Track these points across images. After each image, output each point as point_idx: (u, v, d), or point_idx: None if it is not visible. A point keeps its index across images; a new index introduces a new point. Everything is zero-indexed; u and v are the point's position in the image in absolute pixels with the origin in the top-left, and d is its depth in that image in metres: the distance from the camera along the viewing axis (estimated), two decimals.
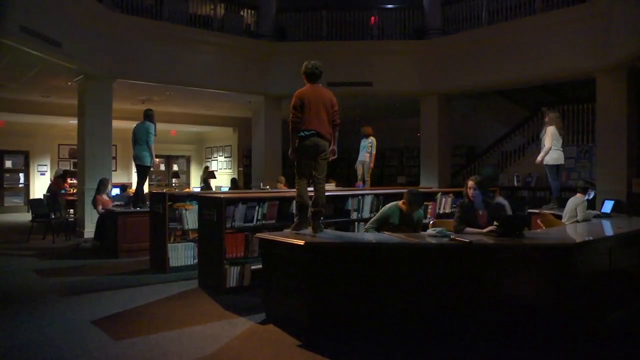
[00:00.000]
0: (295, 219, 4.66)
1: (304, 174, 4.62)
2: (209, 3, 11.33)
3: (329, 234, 4.62)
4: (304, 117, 4.52)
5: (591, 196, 6.83)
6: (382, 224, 5.14)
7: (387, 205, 5.32)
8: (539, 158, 7.97)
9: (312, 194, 4.63)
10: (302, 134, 4.52)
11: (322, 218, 4.66)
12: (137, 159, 7.89)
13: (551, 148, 7.82)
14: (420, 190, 5.26)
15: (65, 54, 8.27)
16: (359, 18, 11.90)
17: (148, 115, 7.93)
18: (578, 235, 4.90)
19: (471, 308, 4.10)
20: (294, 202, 4.71)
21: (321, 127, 4.51)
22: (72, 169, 16.00)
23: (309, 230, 4.61)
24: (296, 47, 11.94)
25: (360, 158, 10.72)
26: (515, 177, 11.03)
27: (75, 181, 12.22)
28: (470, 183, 4.81)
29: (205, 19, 11.14)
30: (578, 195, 6.59)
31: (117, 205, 8.28)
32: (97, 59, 9.29)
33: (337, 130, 4.71)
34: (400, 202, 5.17)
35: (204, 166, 17.51)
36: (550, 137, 7.93)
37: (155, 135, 7.89)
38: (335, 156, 4.69)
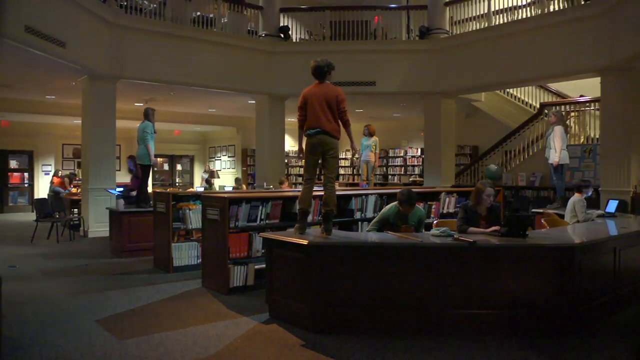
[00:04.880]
0: (297, 223, 4.64)
1: (310, 173, 4.57)
2: (213, 3, 11.35)
3: (333, 234, 4.61)
4: (308, 116, 4.51)
5: (589, 194, 6.83)
6: (384, 224, 5.14)
7: (388, 206, 5.32)
8: (555, 159, 8.02)
9: (322, 193, 4.62)
10: (308, 132, 4.51)
11: (332, 219, 4.62)
12: (138, 159, 8.02)
13: (562, 148, 7.91)
14: (411, 189, 5.25)
15: (70, 54, 8.29)
16: (362, 18, 11.88)
17: (146, 114, 8.01)
18: (582, 235, 4.89)
19: (474, 308, 4.09)
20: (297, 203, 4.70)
21: (327, 124, 4.46)
22: (76, 168, 16.08)
23: (318, 232, 4.59)
24: (300, 47, 11.96)
25: (363, 158, 10.73)
26: (519, 177, 11.01)
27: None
28: (490, 191, 4.80)
29: (208, 19, 11.14)
30: (576, 194, 6.61)
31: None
32: (100, 59, 9.32)
33: (348, 127, 4.62)
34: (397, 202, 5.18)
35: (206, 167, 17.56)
36: (560, 137, 8.00)
37: (155, 134, 7.94)
38: (356, 153, 4.74)
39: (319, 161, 4.57)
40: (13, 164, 16.17)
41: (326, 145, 4.48)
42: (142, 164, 7.96)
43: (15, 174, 16.19)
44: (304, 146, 4.63)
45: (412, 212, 5.12)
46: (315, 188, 4.75)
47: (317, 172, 4.67)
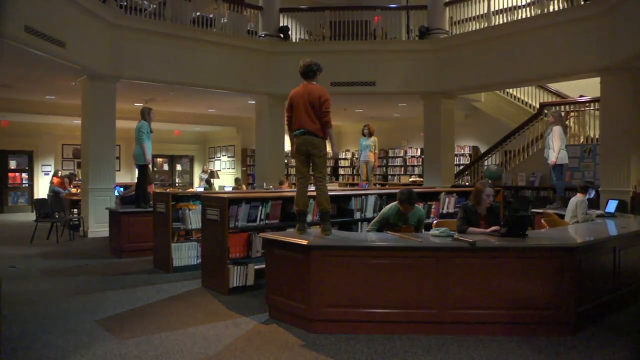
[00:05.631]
0: (296, 224, 4.70)
1: (301, 172, 4.63)
2: (212, 3, 11.35)
3: (333, 234, 4.62)
4: (294, 117, 4.57)
5: (591, 195, 6.83)
6: (384, 224, 5.14)
7: (387, 206, 5.32)
8: (552, 159, 8.03)
9: (314, 193, 4.65)
10: (294, 132, 4.58)
11: (330, 218, 4.63)
12: (134, 159, 8.05)
13: (560, 148, 7.93)
14: (411, 189, 5.26)
15: (69, 54, 8.29)
16: (362, 18, 11.88)
17: (142, 114, 8.04)
18: (582, 235, 4.88)
19: (474, 308, 4.09)
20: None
21: (311, 125, 4.47)
22: (76, 169, 16.08)
23: (317, 232, 4.61)
24: (299, 47, 11.96)
25: (363, 158, 10.75)
26: (518, 177, 11.01)
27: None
28: (490, 191, 4.81)
29: (208, 19, 11.14)
30: (578, 195, 6.60)
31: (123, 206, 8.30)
32: (100, 59, 9.32)
33: (328, 129, 4.51)
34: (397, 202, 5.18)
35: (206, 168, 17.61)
36: (558, 137, 8.01)
37: (151, 133, 7.94)
38: (334, 158, 4.63)
39: (308, 160, 4.58)
40: (13, 164, 16.17)
41: (311, 146, 4.49)
42: (137, 163, 7.99)
43: (15, 174, 16.19)
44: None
45: (412, 212, 5.12)
46: (311, 188, 4.75)
47: (309, 171, 4.67)
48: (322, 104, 4.45)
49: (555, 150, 8.01)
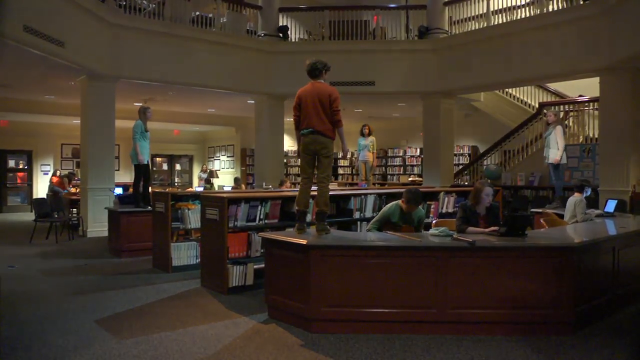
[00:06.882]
0: (296, 223, 4.71)
1: (306, 172, 4.62)
2: (212, 3, 11.34)
3: (332, 234, 4.62)
4: (302, 115, 4.55)
5: (588, 193, 6.84)
6: (384, 224, 5.14)
7: (388, 205, 5.32)
8: (557, 157, 8.06)
9: (315, 193, 4.65)
10: (302, 131, 4.56)
11: (325, 219, 4.64)
12: (131, 159, 8.03)
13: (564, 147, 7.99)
14: (418, 189, 5.26)
15: (69, 54, 8.29)
16: (361, 17, 11.88)
17: (138, 113, 8.01)
18: (581, 235, 4.88)
19: (474, 307, 4.09)
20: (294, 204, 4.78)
21: (320, 124, 4.47)
22: (75, 168, 16.08)
23: (313, 231, 4.62)
24: (299, 46, 11.96)
25: (361, 157, 10.75)
26: (518, 176, 11.02)
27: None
28: (489, 190, 4.81)
29: (207, 18, 11.14)
30: (576, 194, 6.61)
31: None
32: (99, 59, 9.31)
33: (339, 128, 4.55)
34: (400, 201, 5.17)
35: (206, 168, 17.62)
36: (561, 136, 8.05)
37: (146, 132, 7.91)
38: (348, 155, 4.66)
39: (314, 160, 4.59)
40: (12, 163, 16.16)
41: (319, 145, 4.49)
42: (133, 164, 7.98)
43: (15, 173, 16.18)
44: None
45: (414, 211, 5.13)
46: (313, 188, 4.76)
47: (314, 171, 4.67)
48: (332, 103, 4.47)
49: (560, 148, 8.04)
